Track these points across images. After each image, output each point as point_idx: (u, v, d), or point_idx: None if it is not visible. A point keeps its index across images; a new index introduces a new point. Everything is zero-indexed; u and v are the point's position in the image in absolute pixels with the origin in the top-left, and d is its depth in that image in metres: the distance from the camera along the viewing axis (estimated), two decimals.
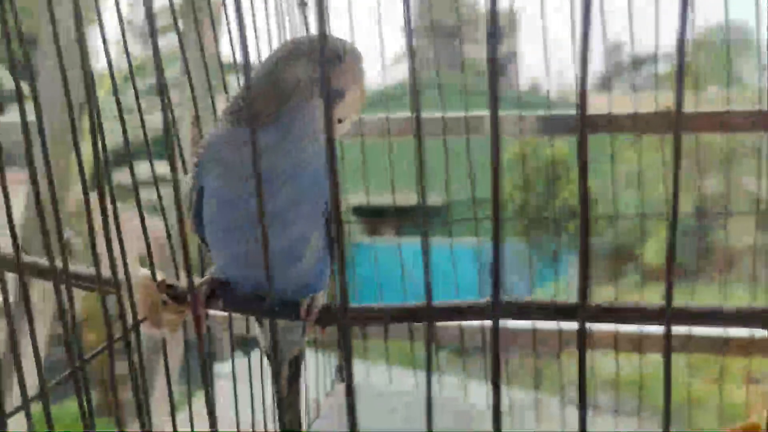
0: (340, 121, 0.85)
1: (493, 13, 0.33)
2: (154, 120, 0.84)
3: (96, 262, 0.66)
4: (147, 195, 0.83)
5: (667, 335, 0.34)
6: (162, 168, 0.89)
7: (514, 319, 0.72)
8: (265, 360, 1.02)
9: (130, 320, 0.71)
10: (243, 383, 1.02)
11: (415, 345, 1.87)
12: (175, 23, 0.88)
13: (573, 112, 1.88)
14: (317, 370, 1.62)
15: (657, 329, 1.69)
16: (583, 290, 0.34)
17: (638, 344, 1.71)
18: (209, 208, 0.84)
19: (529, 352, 1.82)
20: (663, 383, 0.36)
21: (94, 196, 0.64)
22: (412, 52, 0.35)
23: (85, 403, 0.61)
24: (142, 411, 0.67)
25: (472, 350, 1.96)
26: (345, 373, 0.37)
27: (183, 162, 0.95)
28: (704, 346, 1.71)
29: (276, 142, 0.80)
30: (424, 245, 0.37)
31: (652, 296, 1.84)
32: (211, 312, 0.88)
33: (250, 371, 1.04)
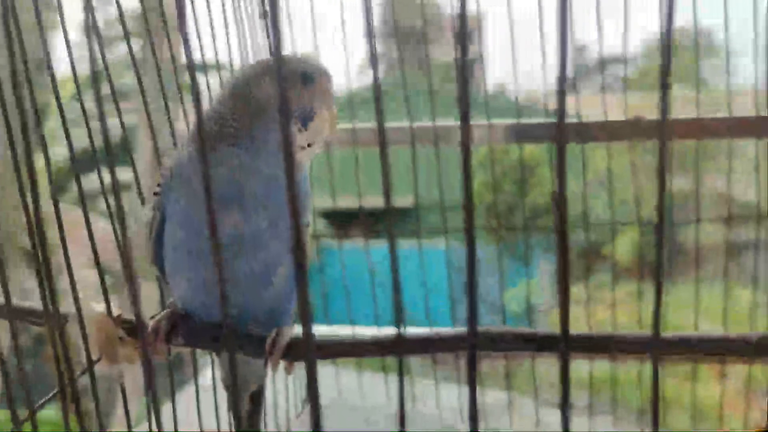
0: (309, 145, 0.81)
1: (463, 39, 0.32)
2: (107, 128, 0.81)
3: (49, 297, 0.61)
4: (98, 205, 0.81)
5: (655, 367, 0.33)
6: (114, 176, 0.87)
7: (491, 350, 0.69)
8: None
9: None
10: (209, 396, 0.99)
11: None
12: (125, 30, 0.86)
13: (540, 118, 1.88)
14: (287, 390, 1.58)
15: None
16: (564, 320, 0.33)
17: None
18: (172, 235, 0.80)
19: (501, 353, 1.82)
20: (651, 405, 0.35)
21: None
22: (375, 62, 0.34)
23: None
24: None
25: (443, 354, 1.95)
26: (311, 410, 0.35)
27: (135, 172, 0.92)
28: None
29: (248, 162, 0.77)
30: (393, 263, 0.35)
31: (622, 295, 1.85)
32: None
33: (214, 383, 1.00)
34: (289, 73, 0.80)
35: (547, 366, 1.92)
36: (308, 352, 0.34)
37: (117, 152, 0.81)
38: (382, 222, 1.99)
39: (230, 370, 0.90)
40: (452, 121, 1.76)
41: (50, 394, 0.68)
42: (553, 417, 1.87)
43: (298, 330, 0.78)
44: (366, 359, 1.90)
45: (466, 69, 0.31)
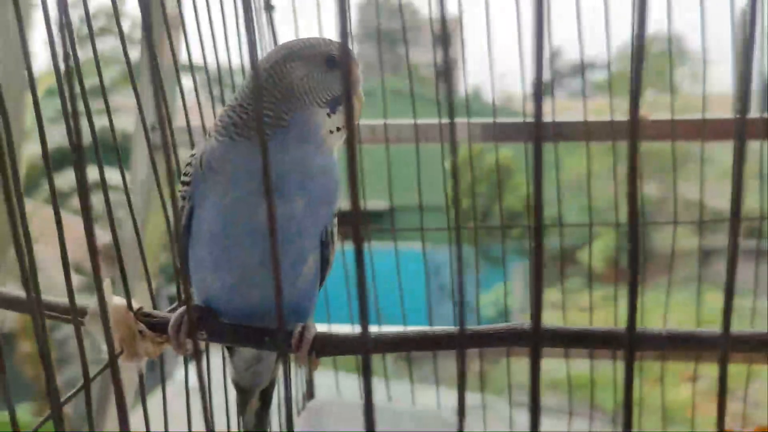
0: (338, 129, 0.80)
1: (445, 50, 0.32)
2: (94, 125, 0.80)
3: (71, 294, 0.61)
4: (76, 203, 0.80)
5: (629, 363, 0.33)
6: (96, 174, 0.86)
7: (476, 347, 0.71)
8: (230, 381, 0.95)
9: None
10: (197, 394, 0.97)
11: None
12: (119, 25, 0.85)
13: (517, 118, 1.89)
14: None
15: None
16: (537, 315, 0.33)
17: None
18: (201, 229, 0.78)
19: (474, 354, 1.82)
20: (624, 401, 0.35)
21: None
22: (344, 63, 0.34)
23: None
24: None
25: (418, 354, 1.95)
26: (365, 405, 0.35)
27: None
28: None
29: (282, 152, 0.75)
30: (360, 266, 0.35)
31: (597, 299, 1.87)
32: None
33: (201, 379, 0.98)
34: (316, 55, 0.79)
35: (520, 367, 1.93)
36: (364, 346, 0.34)
37: (110, 151, 0.80)
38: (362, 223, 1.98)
39: (241, 368, 0.91)
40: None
41: (76, 389, 0.67)
42: (526, 418, 1.88)
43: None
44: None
45: (448, 72, 0.31)
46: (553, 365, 2.01)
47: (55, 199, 0.58)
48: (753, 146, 1.74)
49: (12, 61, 1.65)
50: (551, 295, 2.53)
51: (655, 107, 1.73)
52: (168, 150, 0.41)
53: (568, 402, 1.86)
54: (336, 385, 1.87)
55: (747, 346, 0.61)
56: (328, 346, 0.76)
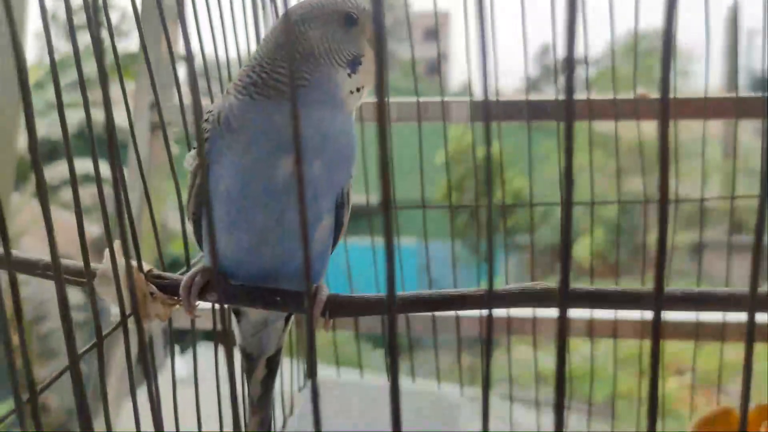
0: (358, 89, 0.80)
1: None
2: (77, 116, 0.80)
3: (85, 254, 0.61)
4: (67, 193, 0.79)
5: (656, 324, 0.34)
6: (86, 165, 0.85)
7: (505, 306, 0.70)
8: (238, 357, 0.94)
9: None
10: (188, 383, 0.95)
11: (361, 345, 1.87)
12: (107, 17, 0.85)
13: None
14: (291, 366, 1.57)
15: (581, 314, 1.72)
16: (565, 275, 0.33)
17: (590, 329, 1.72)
18: (216, 188, 0.76)
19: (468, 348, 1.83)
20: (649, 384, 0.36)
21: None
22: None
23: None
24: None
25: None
26: (391, 366, 0.35)
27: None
28: (629, 331, 1.75)
29: (303, 113, 0.74)
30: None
31: None
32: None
33: (196, 369, 0.97)
34: (333, 14, 0.79)
35: (519, 363, 1.94)
36: (389, 308, 0.34)
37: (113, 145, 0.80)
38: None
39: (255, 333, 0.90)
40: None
41: (89, 345, 0.67)
42: (525, 413, 1.90)
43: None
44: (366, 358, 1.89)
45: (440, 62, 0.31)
46: (524, 355, 2.02)
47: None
48: (744, 140, 1.75)
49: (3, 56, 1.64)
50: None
51: (644, 103, 1.74)
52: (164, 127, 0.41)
53: (569, 395, 1.87)
54: (337, 371, 1.87)
55: None
56: (342, 307, 0.76)
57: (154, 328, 1.39)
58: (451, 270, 1.83)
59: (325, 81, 0.77)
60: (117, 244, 0.67)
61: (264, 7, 1.35)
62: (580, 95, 1.70)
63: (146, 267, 0.78)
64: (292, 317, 0.93)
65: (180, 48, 1.54)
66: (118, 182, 0.55)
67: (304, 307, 0.74)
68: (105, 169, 0.57)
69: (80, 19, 0.64)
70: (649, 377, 0.33)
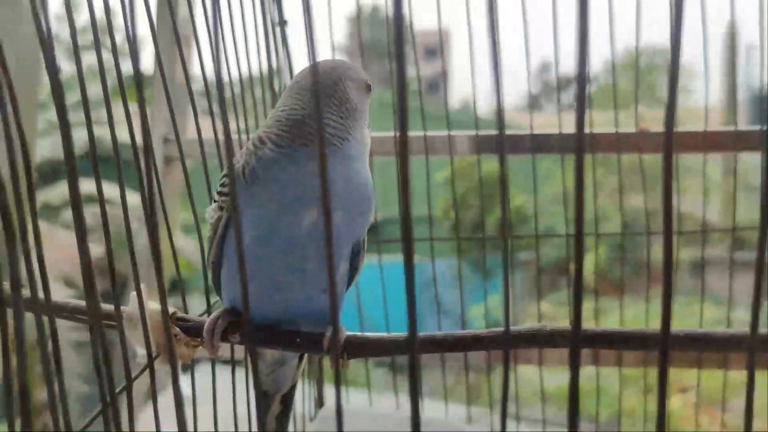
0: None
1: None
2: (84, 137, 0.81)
3: (116, 298, 0.64)
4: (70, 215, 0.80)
5: (663, 363, 0.34)
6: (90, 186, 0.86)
7: (521, 347, 0.73)
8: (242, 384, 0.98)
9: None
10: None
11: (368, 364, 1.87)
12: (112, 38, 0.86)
13: (508, 131, 1.90)
14: (302, 397, 1.61)
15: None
16: (577, 318, 0.34)
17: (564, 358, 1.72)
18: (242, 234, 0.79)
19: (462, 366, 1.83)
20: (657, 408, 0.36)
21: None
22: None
23: None
24: None
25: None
26: (411, 410, 0.36)
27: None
28: (635, 360, 1.75)
29: (340, 165, 0.80)
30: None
31: (586, 312, 1.87)
32: None
33: (215, 391, 0.98)
34: (361, 80, 0.88)
35: (523, 382, 1.94)
36: (412, 346, 0.34)
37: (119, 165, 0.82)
38: None
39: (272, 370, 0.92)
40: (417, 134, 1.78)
41: (121, 387, 0.68)
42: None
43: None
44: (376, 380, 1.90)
45: (445, 82, 0.32)
46: (530, 374, 2.02)
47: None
48: (744, 157, 1.76)
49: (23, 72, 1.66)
50: (543, 307, 2.53)
51: (643, 120, 1.74)
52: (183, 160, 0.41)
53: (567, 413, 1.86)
54: (347, 398, 1.87)
55: None
56: (360, 349, 0.80)
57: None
58: (456, 287, 1.83)
59: (359, 137, 0.84)
60: (144, 287, 0.70)
61: (273, 32, 1.38)
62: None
63: (170, 310, 0.81)
64: (305, 355, 0.98)
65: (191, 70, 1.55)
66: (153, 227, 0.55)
67: (321, 347, 0.79)
68: (108, 190, 0.58)
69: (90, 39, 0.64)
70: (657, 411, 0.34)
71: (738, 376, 1.77)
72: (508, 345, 0.39)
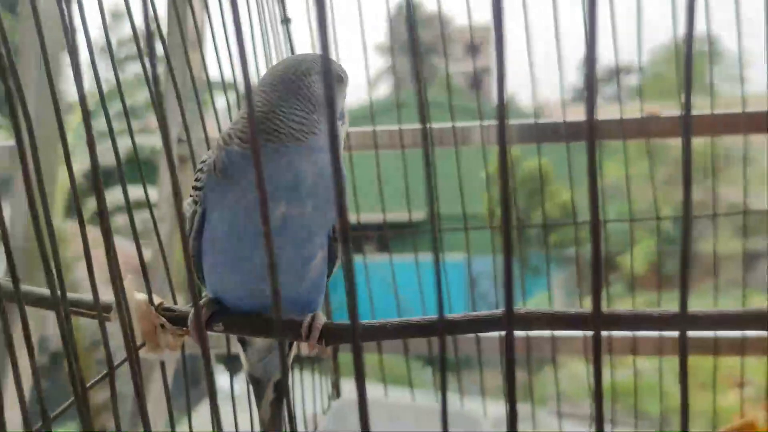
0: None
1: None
2: (128, 144, 0.83)
3: (94, 289, 0.66)
4: (121, 220, 0.82)
5: (682, 343, 0.33)
6: (137, 192, 0.89)
7: (527, 330, 0.71)
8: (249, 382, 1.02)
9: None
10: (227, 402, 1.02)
11: (411, 363, 1.87)
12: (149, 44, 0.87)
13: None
14: (314, 388, 1.64)
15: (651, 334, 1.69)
16: (597, 299, 0.33)
17: (634, 347, 1.70)
18: (215, 231, 0.84)
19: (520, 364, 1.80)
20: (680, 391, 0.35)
21: (67, 224, 0.63)
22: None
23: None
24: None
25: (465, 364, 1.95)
26: (358, 391, 0.37)
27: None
28: (695, 347, 1.71)
29: (310, 157, 0.82)
30: (436, 262, 0.36)
31: (641, 305, 1.84)
32: None
33: (232, 390, 1.05)
34: (334, 74, 0.89)
35: (567, 378, 1.92)
36: (440, 331, 0.34)
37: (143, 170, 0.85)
38: (399, 235, 1.98)
39: (281, 359, 0.94)
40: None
41: (100, 375, 0.71)
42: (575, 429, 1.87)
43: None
44: (390, 372, 1.91)
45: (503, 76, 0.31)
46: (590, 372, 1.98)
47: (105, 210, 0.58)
48: None
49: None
50: (589, 303, 2.48)
51: (694, 110, 1.70)
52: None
53: (611, 409, 1.84)
54: (384, 392, 1.87)
55: None
56: (336, 335, 0.82)
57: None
58: (499, 285, 1.82)
59: (326, 130, 0.84)
60: (128, 279, 0.73)
61: (275, 32, 1.40)
62: (632, 108, 1.68)
63: (156, 300, 0.84)
64: (295, 342, 1.01)
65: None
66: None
67: (299, 334, 0.82)
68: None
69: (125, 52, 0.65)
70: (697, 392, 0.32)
71: None
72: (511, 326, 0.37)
